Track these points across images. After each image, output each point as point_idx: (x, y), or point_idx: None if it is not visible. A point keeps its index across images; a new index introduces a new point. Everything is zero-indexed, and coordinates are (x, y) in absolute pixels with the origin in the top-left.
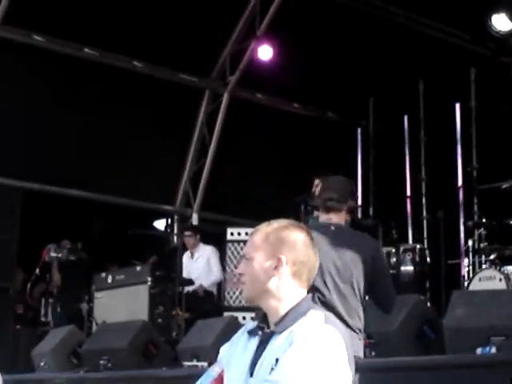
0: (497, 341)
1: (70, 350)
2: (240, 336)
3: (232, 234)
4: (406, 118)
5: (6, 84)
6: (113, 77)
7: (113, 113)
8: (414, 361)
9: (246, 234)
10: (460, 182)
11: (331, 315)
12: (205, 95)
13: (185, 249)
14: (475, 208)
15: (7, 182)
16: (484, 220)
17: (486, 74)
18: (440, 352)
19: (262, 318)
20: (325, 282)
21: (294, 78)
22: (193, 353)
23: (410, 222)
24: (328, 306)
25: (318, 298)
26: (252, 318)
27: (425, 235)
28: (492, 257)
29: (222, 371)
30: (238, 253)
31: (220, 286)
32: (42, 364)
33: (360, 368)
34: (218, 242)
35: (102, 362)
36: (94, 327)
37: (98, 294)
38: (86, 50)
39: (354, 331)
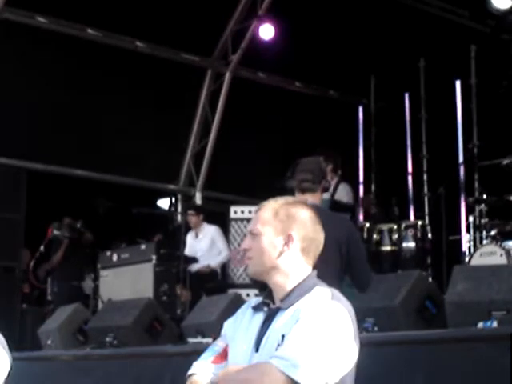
0: (498, 315)
1: (76, 327)
2: (244, 311)
3: (235, 212)
4: (406, 95)
5: (9, 65)
6: (116, 57)
7: (116, 93)
8: (415, 335)
9: (250, 212)
10: (461, 159)
11: (337, 292)
12: (207, 74)
13: (189, 228)
14: (476, 184)
15: (12, 163)
16: (485, 196)
17: (486, 51)
18: (442, 326)
19: (267, 293)
20: None
21: (296, 56)
22: (197, 329)
23: (411, 198)
24: None
25: None
26: (256, 295)
27: (426, 212)
28: (493, 232)
29: (227, 346)
30: (242, 231)
31: (224, 263)
32: (48, 342)
33: (362, 342)
34: (222, 220)
35: (107, 339)
36: (100, 305)
37: (103, 273)
38: (89, 30)
39: None
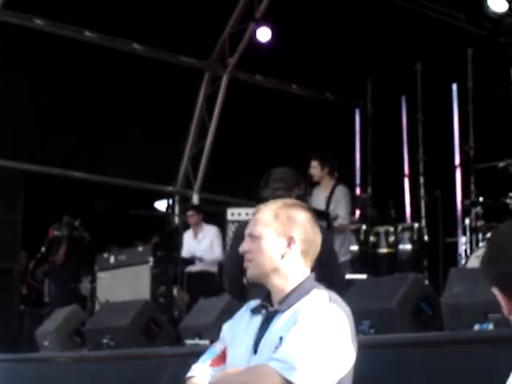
0: (494, 317)
1: (73, 329)
2: (243, 314)
3: (232, 214)
4: (403, 98)
5: (7, 67)
6: (113, 59)
7: (113, 95)
8: (412, 337)
9: (247, 214)
10: (457, 162)
11: (335, 294)
12: (204, 77)
13: (186, 228)
14: (472, 187)
15: (9, 164)
16: (481, 199)
17: (482, 54)
18: (438, 329)
19: (266, 296)
20: None
21: (293, 59)
22: (195, 331)
23: (408, 201)
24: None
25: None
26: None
27: (422, 214)
28: (489, 235)
29: (225, 348)
30: None
31: (221, 266)
32: (45, 343)
33: (359, 345)
34: (219, 222)
35: (104, 340)
36: (97, 307)
37: (100, 274)
38: (87, 33)
39: None
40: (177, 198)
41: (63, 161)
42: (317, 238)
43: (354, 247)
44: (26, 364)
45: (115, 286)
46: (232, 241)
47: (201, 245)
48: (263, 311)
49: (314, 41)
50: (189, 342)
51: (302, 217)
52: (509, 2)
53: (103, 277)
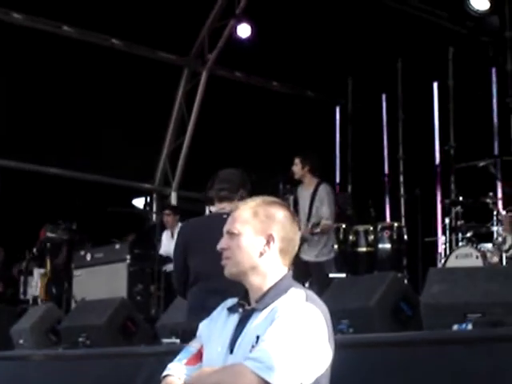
0: (473, 318)
1: (48, 327)
2: (220, 312)
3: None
4: (384, 96)
5: None
6: (91, 55)
7: (91, 90)
8: (390, 337)
9: None
10: (437, 161)
11: (312, 293)
12: (183, 73)
13: (164, 227)
14: (452, 186)
15: None
16: (461, 198)
17: (463, 53)
18: (417, 328)
19: (243, 294)
20: (213, 268)
21: (273, 56)
22: (171, 330)
23: (387, 199)
24: (218, 291)
25: (205, 283)
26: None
27: (402, 213)
28: (468, 234)
29: (201, 347)
30: None
31: None
32: (20, 341)
33: (337, 344)
34: None
35: (80, 339)
36: (73, 304)
37: (76, 272)
38: (65, 27)
39: None
40: (155, 196)
41: (40, 157)
42: (295, 236)
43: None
44: (0, 362)
45: (91, 283)
46: (178, 242)
47: None
48: (240, 310)
49: (295, 38)
50: (165, 340)
51: (281, 214)
52: (490, 1)
53: (79, 274)
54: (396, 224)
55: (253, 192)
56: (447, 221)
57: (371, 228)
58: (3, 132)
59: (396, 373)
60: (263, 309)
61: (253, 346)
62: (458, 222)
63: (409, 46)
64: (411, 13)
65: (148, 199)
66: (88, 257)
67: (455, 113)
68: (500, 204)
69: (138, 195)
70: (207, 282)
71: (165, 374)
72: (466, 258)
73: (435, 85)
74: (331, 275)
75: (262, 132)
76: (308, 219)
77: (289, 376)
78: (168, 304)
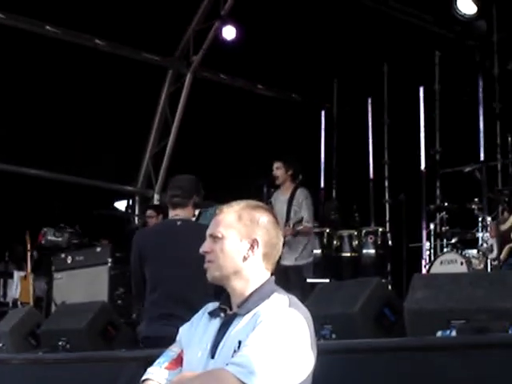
0: (457, 324)
1: (28, 330)
2: (200, 317)
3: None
4: (369, 100)
5: None
6: (75, 55)
7: (74, 91)
8: (373, 343)
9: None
10: (423, 166)
11: (295, 298)
12: (168, 74)
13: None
14: (437, 191)
15: None
16: (446, 204)
17: (450, 58)
18: (400, 334)
19: (225, 298)
20: (170, 274)
21: (258, 58)
22: None
23: (372, 204)
24: (175, 297)
25: (163, 290)
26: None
27: (387, 218)
28: (453, 240)
29: (182, 351)
30: None
31: None
32: None
33: (320, 350)
34: None
35: (60, 343)
36: (53, 308)
37: (57, 275)
38: (48, 27)
39: None
40: (137, 199)
41: (21, 158)
42: (279, 241)
43: (317, 251)
44: None
45: (72, 286)
46: (133, 250)
47: None
48: (222, 314)
49: (281, 40)
50: None
51: (265, 219)
52: (477, 5)
53: (60, 277)
54: (380, 229)
55: (238, 195)
56: (432, 226)
57: (355, 233)
58: None
59: (379, 379)
60: (245, 314)
61: (235, 351)
62: (443, 228)
63: (395, 49)
64: (398, 16)
65: (130, 202)
66: (69, 260)
67: (441, 117)
68: (485, 210)
69: (120, 198)
70: (164, 289)
71: (144, 377)
72: (450, 264)
73: (421, 89)
74: (309, 280)
75: (247, 135)
76: (286, 224)
77: (270, 382)
78: None
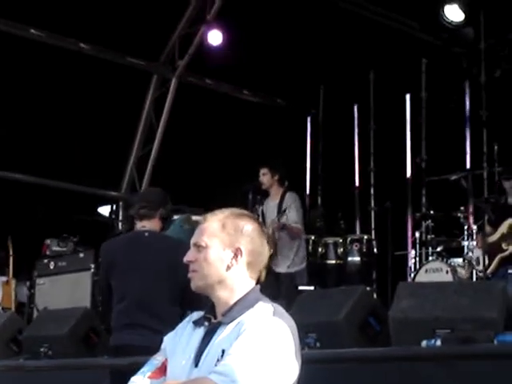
0: (442, 333)
1: (9, 336)
2: (185, 325)
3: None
4: (356, 107)
5: None
6: (59, 58)
7: (58, 95)
8: (358, 352)
9: None
10: (408, 173)
11: (279, 307)
12: (153, 79)
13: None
14: (423, 199)
15: None
16: (431, 212)
17: (436, 65)
18: (385, 344)
19: (209, 307)
20: (137, 284)
21: (244, 64)
22: None
23: (357, 212)
24: (143, 308)
25: (130, 300)
26: None
27: (372, 226)
28: (439, 249)
29: (166, 360)
30: None
31: None
32: None
33: (304, 359)
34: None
35: (42, 349)
36: (35, 314)
37: (39, 280)
38: (32, 30)
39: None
40: (121, 204)
41: (3, 162)
42: (264, 250)
43: None
44: None
45: (54, 292)
46: (101, 261)
47: None
48: (206, 323)
49: (267, 46)
50: None
51: (249, 227)
52: (465, 12)
53: (42, 283)
54: (366, 237)
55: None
56: (417, 234)
57: (341, 240)
58: None
59: None
60: (229, 322)
61: (218, 360)
62: (429, 236)
63: (382, 56)
64: (384, 23)
65: (114, 207)
66: (51, 265)
67: (427, 125)
68: (471, 218)
69: (104, 203)
70: (131, 299)
71: None
72: (435, 272)
73: (408, 96)
74: (301, 287)
75: (232, 141)
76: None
77: None
78: None
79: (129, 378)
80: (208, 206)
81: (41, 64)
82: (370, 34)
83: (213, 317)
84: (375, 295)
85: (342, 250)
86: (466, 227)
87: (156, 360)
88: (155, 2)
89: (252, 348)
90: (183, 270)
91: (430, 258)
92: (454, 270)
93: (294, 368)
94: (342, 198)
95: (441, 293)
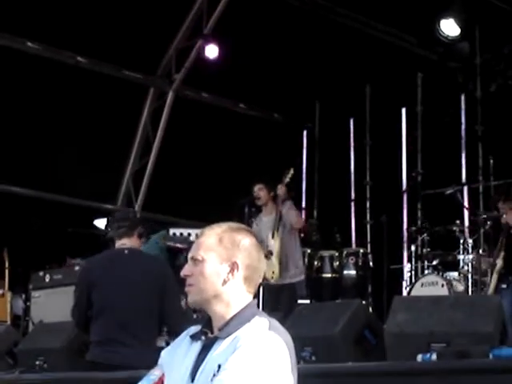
0: (437, 347)
1: (4, 349)
2: (182, 339)
3: (174, 234)
4: (351, 121)
5: None
6: (56, 72)
7: (54, 108)
8: (354, 366)
9: (189, 234)
10: (404, 187)
11: (275, 322)
12: (149, 92)
13: None
14: (419, 213)
15: None
16: (427, 225)
17: (432, 79)
18: (380, 358)
19: (206, 322)
20: (116, 300)
21: (241, 78)
22: None
23: (353, 225)
24: (121, 324)
25: (108, 316)
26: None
27: (368, 239)
28: (435, 262)
29: (163, 375)
30: None
31: None
32: None
33: (300, 373)
34: None
35: (37, 362)
36: (31, 327)
37: (35, 293)
38: (29, 43)
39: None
40: None
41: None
42: (261, 265)
43: None
44: None
45: (50, 305)
46: (81, 277)
47: None
48: (203, 338)
49: (263, 60)
50: None
51: (246, 242)
52: (460, 27)
53: (38, 296)
54: (362, 250)
55: (219, 214)
56: (413, 248)
57: (336, 254)
58: None
59: None
60: (226, 337)
61: (214, 375)
62: (424, 250)
63: (377, 71)
64: (380, 37)
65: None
66: (47, 278)
67: (423, 139)
68: (467, 232)
69: (100, 216)
70: (111, 315)
71: None
72: (431, 286)
73: (403, 110)
74: (300, 301)
75: (228, 154)
76: (272, 238)
77: None
78: None
79: None
80: (204, 220)
81: (38, 77)
82: (366, 48)
83: (209, 331)
84: (371, 309)
85: (337, 263)
86: (461, 241)
87: (153, 375)
88: (152, 16)
89: (248, 363)
90: (161, 285)
91: (426, 272)
92: (449, 284)
93: (289, 382)
94: (337, 211)
95: (436, 307)
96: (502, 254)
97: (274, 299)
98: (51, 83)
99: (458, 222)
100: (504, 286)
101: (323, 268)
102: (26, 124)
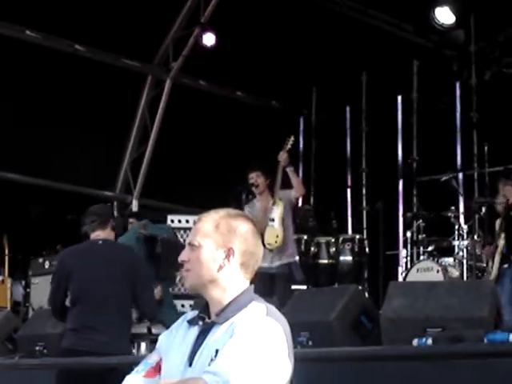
0: (433, 332)
1: (5, 335)
2: (180, 325)
3: (172, 221)
4: (348, 108)
5: None
6: (54, 60)
7: (53, 96)
8: (350, 351)
9: (187, 221)
10: (400, 174)
11: (273, 307)
12: (147, 80)
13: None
14: (414, 200)
15: None
16: (423, 212)
17: (428, 67)
18: (376, 343)
19: (203, 307)
20: (91, 289)
21: (238, 65)
22: (130, 340)
23: (349, 212)
24: (97, 312)
25: (84, 304)
26: (191, 306)
27: (364, 226)
28: (430, 248)
29: (160, 360)
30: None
31: None
32: None
33: (297, 358)
34: None
35: (37, 348)
36: (31, 313)
37: (34, 280)
38: (28, 32)
39: (115, 342)
40: (116, 204)
41: None
42: (258, 250)
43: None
44: None
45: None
46: (59, 267)
47: None
48: (200, 323)
49: (260, 47)
50: None
51: (243, 228)
52: (455, 15)
53: (37, 282)
54: (358, 236)
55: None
56: (409, 234)
57: (333, 240)
58: None
59: None
60: (223, 322)
61: (211, 360)
62: (420, 236)
63: (373, 58)
64: (377, 25)
65: None
66: (46, 265)
67: (418, 126)
68: (462, 218)
69: (98, 203)
70: (86, 304)
71: None
72: (426, 271)
73: (399, 98)
74: (294, 287)
75: (226, 142)
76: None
77: None
78: None
79: (121, 379)
80: (202, 206)
81: (36, 65)
82: (362, 36)
83: (207, 316)
84: (367, 294)
85: (334, 249)
86: (456, 227)
87: (151, 359)
88: (150, 4)
89: (245, 348)
90: (132, 275)
91: (421, 258)
92: (444, 270)
93: (286, 368)
94: (334, 198)
95: (432, 292)
96: (503, 235)
97: (269, 284)
98: (49, 71)
99: (453, 208)
100: (505, 265)
101: (320, 254)
102: (24, 112)
